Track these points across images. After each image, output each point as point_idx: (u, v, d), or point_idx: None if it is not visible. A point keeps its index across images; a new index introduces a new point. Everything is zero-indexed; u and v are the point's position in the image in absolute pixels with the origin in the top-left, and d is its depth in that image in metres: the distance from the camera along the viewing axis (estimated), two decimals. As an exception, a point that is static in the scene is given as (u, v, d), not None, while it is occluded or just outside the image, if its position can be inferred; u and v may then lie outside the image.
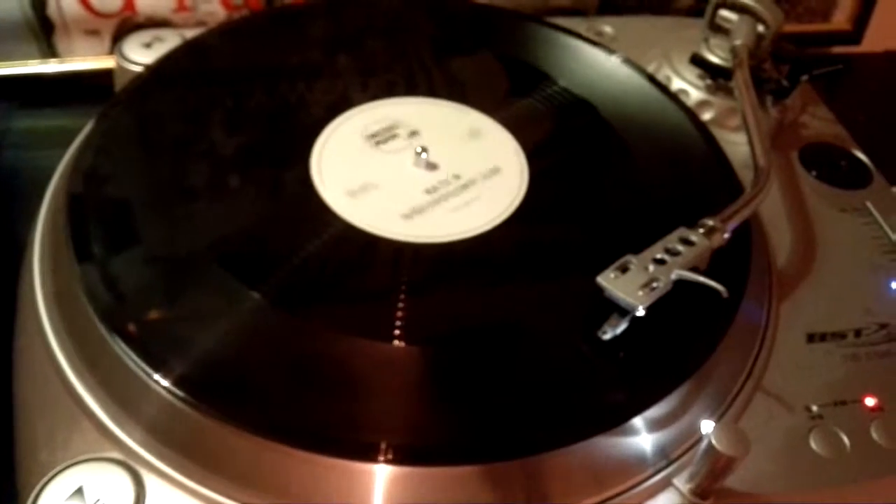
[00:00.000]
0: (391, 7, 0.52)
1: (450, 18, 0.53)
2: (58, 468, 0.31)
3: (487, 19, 0.53)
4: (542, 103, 0.47)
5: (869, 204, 0.46)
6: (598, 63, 0.49)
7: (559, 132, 0.46)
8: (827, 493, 0.34)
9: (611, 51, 0.50)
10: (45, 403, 0.34)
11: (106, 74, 0.51)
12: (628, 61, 0.49)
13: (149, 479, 0.31)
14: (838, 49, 0.72)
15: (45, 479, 0.30)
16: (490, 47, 0.51)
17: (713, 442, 0.30)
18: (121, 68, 0.48)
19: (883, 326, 0.40)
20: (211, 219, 0.39)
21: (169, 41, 0.49)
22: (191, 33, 0.49)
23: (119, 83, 0.48)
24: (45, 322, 0.36)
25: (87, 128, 0.43)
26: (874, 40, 0.72)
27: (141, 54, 0.48)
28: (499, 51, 0.50)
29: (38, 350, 0.35)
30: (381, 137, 0.43)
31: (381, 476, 0.31)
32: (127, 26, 0.56)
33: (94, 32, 0.57)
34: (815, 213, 0.45)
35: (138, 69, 0.47)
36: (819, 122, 0.51)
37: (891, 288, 0.42)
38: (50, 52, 0.57)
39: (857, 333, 0.40)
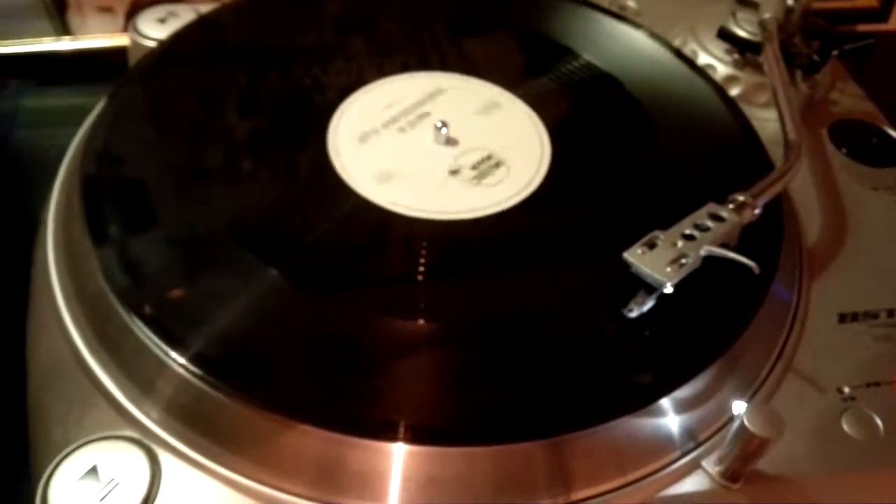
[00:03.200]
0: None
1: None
2: (71, 447, 0.30)
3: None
4: (566, 79, 0.45)
5: (901, 182, 0.45)
6: (624, 38, 0.48)
7: (583, 108, 0.45)
8: (859, 477, 0.33)
9: (636, 25, 0.49)
10: (60, 381, 0.33)
11: (120, 52, 0.50)
12: (654, 35, 0.48)
13: (164, 457, 0.31)
14: (865, 26, 0.70)
15: (59, 457, 0.30)
16: (511, 22, 0.49)
17: (746, 423, 0.29)
18: (135, 44, 0.47)
19: (917, 307, 0.39)
20: (227, 198, 0.38)
21: (183, 16, 0.48)
22: (205, 8, 0.48)
23: (133, 59, 0.47)
24: (59, 300, 0.36)
25: (99, 106, 0.42)
26: (902, 17, 0.70)
27: (155, 30, 0.47)
28: (520, 25, 0.49)
29: (53, 328, 0.35)
30: (399, 113, 0.42)
31: (399, 455, 0.30)
32: (141, 2, 0.56)
33: (107, 9, 0.56)
34: (846, 190, 0.44)
35: (153, 45, 0.46)
36: (849, 99, 0.50)
37: (924, 267, 0.41)
38: (63, 29, 0.57)
39: (890, 313, 0.39)
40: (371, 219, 0.37)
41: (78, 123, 0.44)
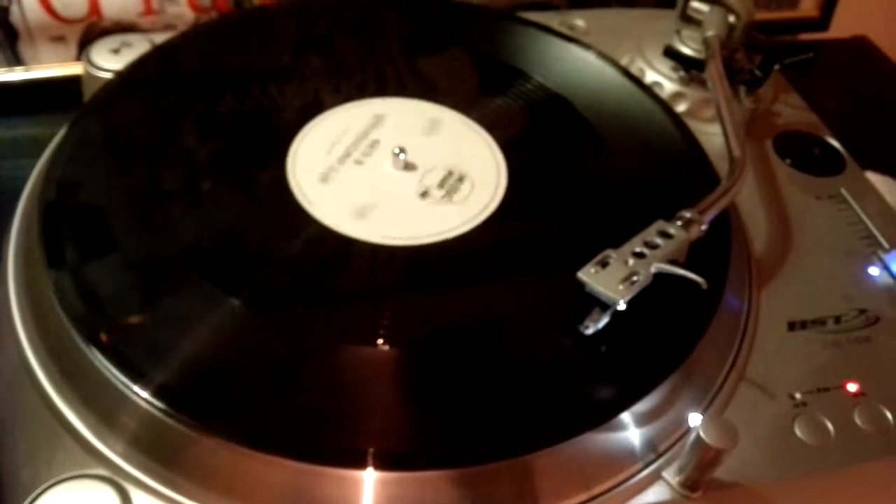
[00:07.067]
0: (363, 7, 0.52)
1: (422, 17, 0.52)
2: (41, 488, 0.30)
3: (461, 17, 0.52)
4: (518, 100, 0.46)
5: (843, 190, 0.46)
6: (573, 58, 0.49)
7: (535, 128, 0.46)
8: (814, 480, 0.35)
9: (585, 45, 0.50)
10: (25, 420, 0.33)
11: (73, 81, 0.50)
12: (602, 55, 0.49)
13: (136, 494, 0.31)
14: (806, 35, 0.72)
15: (29, 499, 0.30)
16: (464, 45, 0.50)
17: (701, 435, 0.30)
18: (89, 75, 0.47)
19: (862, 312, 0.40)
20: (187, 225, 0.38)
21: (137, 46, 0.48)
22: (159, 37, 0.48)
23: (88, 90, 0.47)
24: (21, 337, 0.35)
25: (59, 136, 0.42)
26: (841, 26, 0.72)
27: (110, 60, 0.47)
28: (473, 49, 0.50)
29: (16, 366, 0.35)
30: (349, 146, 0.43)
31: (368, 482, 0.31)
32: (93, 32, 0.56)
33: (59, 39, 0.56)
34: (792, 201, 0.45)
35: (108, 76, 0.46)
36: (791, 110, 0.51)
37: (868, 273, 0.42)
38: (15, 60, 0.56)
39: (837, 320, 0.40)
40: (330, 245, 0.38)
41: (31, 154, 0.44)
